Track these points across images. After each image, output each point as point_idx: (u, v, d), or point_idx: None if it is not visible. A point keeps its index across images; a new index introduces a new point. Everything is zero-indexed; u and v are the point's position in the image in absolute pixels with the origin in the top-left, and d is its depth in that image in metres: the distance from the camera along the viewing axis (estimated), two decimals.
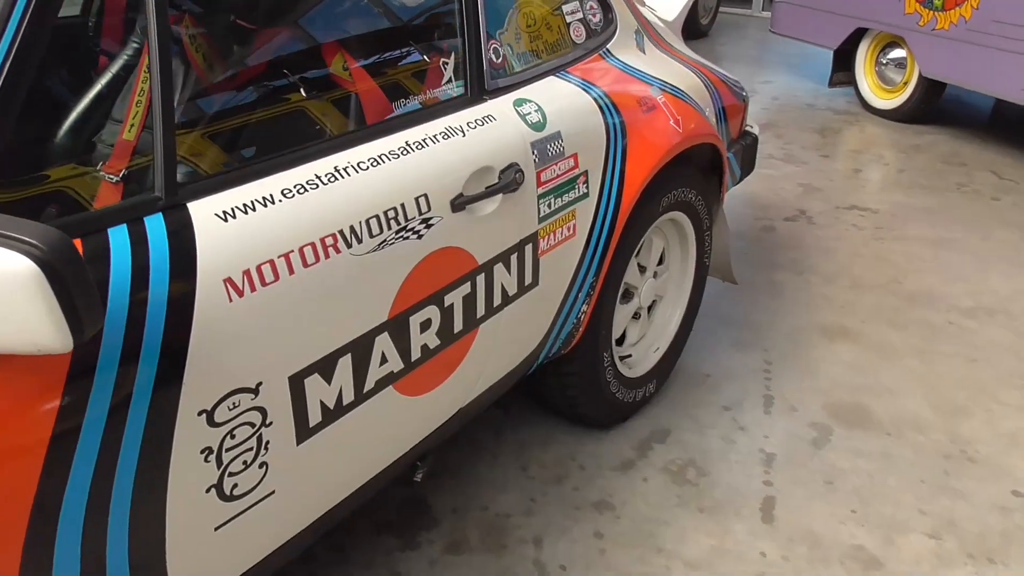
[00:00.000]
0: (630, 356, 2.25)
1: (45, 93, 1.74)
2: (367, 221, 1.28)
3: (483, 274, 1.54)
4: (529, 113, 1.64)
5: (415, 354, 1.43)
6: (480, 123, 1.54)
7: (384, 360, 1.37)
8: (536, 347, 1.81)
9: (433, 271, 1.42)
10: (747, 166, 2.66)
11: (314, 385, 1.25)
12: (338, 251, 1.24)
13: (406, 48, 1.73)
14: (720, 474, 2.10)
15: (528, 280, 1.67)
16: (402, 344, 1.40)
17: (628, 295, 2.16)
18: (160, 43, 1.10)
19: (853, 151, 4.61)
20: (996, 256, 3.32)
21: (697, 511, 1.98)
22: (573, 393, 2.07)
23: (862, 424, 2.30)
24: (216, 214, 1.12)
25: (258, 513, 1.23)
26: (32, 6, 0.98)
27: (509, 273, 1.61)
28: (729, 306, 2.88)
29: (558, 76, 1.81)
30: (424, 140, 1.43)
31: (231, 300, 1.10)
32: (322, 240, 1.22)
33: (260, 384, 1.16)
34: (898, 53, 4.97)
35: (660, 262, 2.26)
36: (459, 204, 1.44)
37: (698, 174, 2.21)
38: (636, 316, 2.23)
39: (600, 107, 1.81)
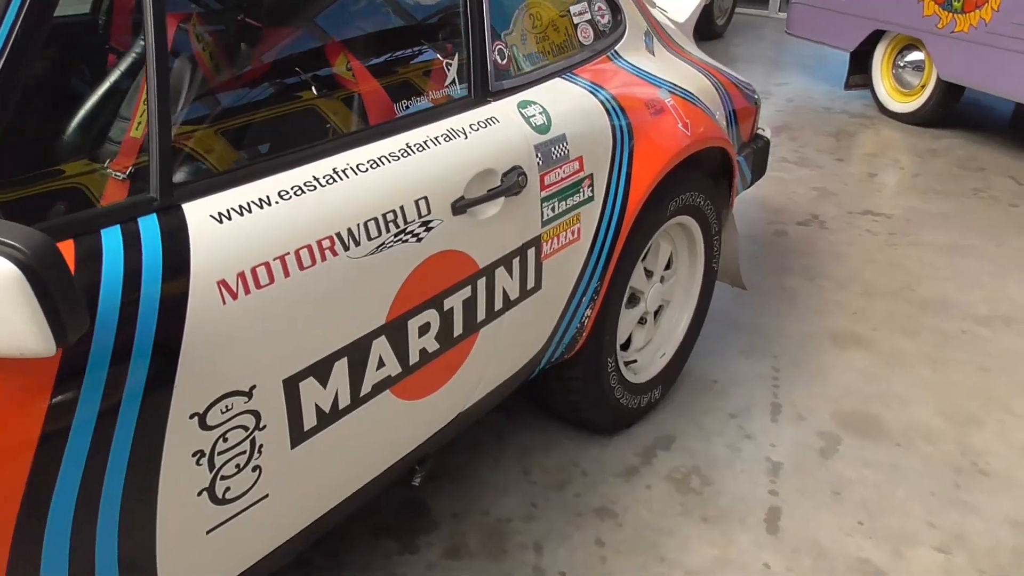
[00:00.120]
0: (635, 361, 2.23)
1: (61, 88, 1.75)
2: (365, 224, 1.27)
3: (484, 278, 1.52)
4: (533, 115, 1.62)
5: (413, 358, 1.42)
6: (483, 125, 1.52)
7: (381, 364, 1.35)
8: (538, 352, 1.79)
9: (432, 275, 1.40)
10: (758, 170, 2.63)
11: (309, 389, 1.24)
12: (335, 254, 1.22)
13: (410, 49, 1.72)
14: (725, 483, 2.07)
15: (530, 284, 1.65)
16: (400, 348, 1.38)
17: (634, 300, 2.13)
18: (157, 43, 1.09)
19: (868, 155, 4.56)
20: (1013, 263, 3.27)
21: (701, 520, 1.96)
22: (576, 398, 2.05)
23: (871, 434, 2.26)
24: (211, 215, 1.11)
25: (251, 517, 1.22)
26: (28, 3, 0.97)
27: (511, 277, 1.59)
28: (738, 311, 2.85)
29: (564, 78, 1.79)
30: (425, 142, 1.41)
31: (224, 302, 1.09)
32: (319, 243, 1.20)
33: (254, 387, 1.15)
34: (916, 56, 4.90)
35: (668, 266, 2.24)
36: (460, 207, 1.42)
37: (707, 178, 2.18)
38: (642, 321, 2.21)
39: (606, 109, 1.79)
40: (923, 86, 4.85)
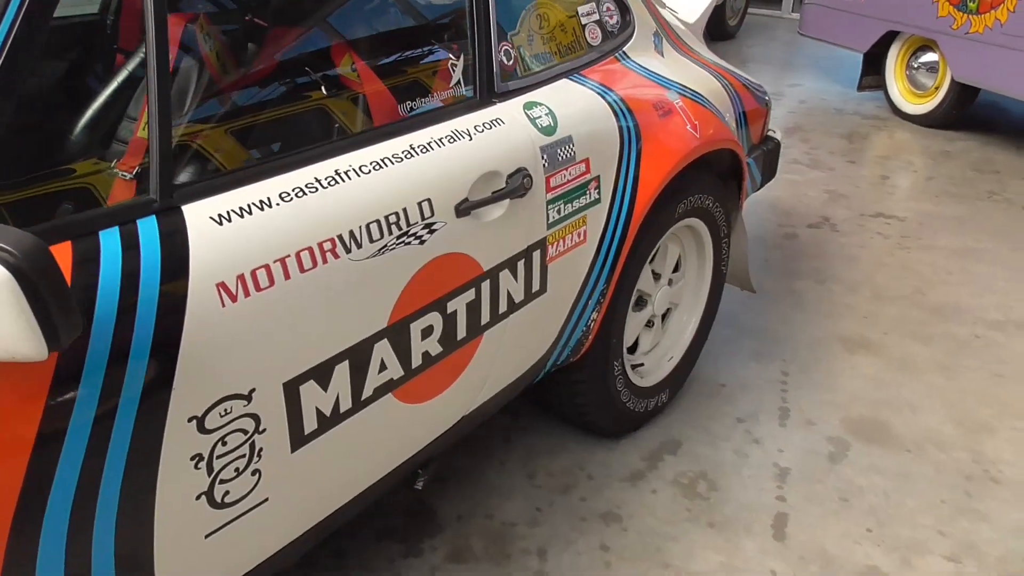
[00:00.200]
0: (642, 365, 2.21)
1: (72, 88, 1.76)
2: (367, 226, 1.25)
3: (488, 281, 1.51)
4: (539, 117, 1.61)
5: (416, 361, 1.40)
6: (488, 126, 1.51)
7: (383, 367, 1.34)
8: (543, 355, 1.77)
9: (435, 277, 1.39)
10: (768, 172, 2.60)
11: (310, 392, 1.22)
12: (336, 256, 1.21)
13: (415, 49, 1.71)
14: (732, 488, 2.05)
15: (535, 287, 1.64)
16: (402, 351, 1.37)
17: (641, 302, 2.12)
18: (158, 44, 1.08)
19: (881, 157, 4.51)
20: None
21: (707, 526, 1.93)
22: (582, 402, 2.03)
23: (881, 440, 2.23)
24: (211, 217, 1.10)
25: (251, 521, 1.21)
26: (26, 4, 0.97)
27: (516, 280, 1.58)
28: (747, 315, 2.82)
29: (571, 79, 1.77)
30: (429, 143, 1.40)
31: (224, 305, 1.08)
32: (320, 245, 1.19)
33: (253, 391, 1.14)
34: (930, 57, 4.86)
35: (676, 269, 2.22)
36: (464, 209, 1.41)
37: (716, 180, 2.16)
38: (649, 324, 2.19)
39: (614, 111, 1.77)
40: (937, 88, 4.80)
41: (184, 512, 1.11)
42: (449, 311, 1.44)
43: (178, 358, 1.04)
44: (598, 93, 1.78)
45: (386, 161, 1.32)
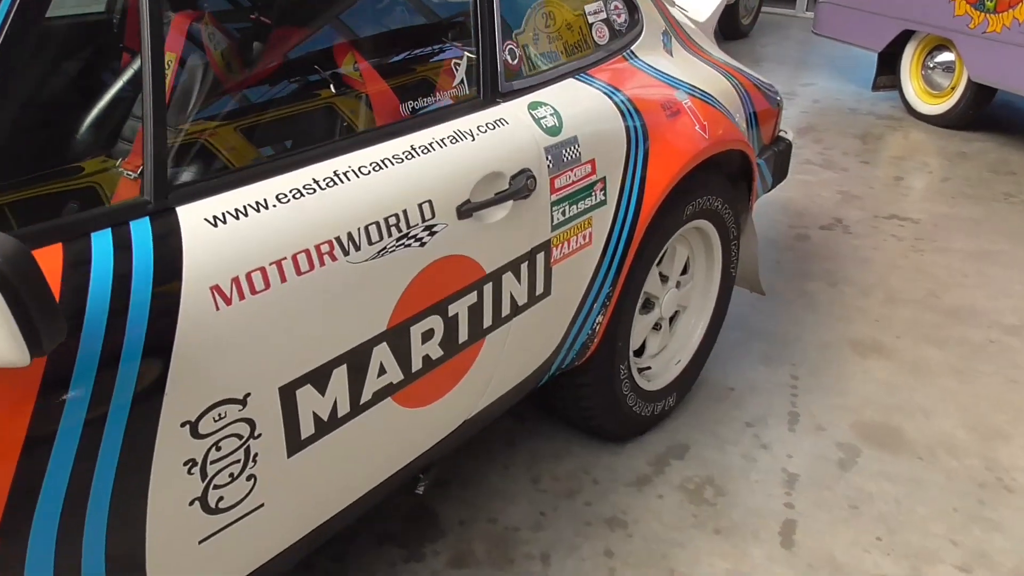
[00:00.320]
0: (649, 368, 2.18)
1: (80, 87, 1.76)
2: (366, 228, 1.24)
3: (491, 283, 1.49)
4: (544, 117, 1.58)
5: (416, 365, 1.38)
6: (491, 127, 1.49)
7: (382, 371, 1.32)
8: (548, 358, 1.75)
9: (436, 280, 1.37)
10: (779, 173, 2.56)
11: (306, 396, 1.21)
12: (334, 259, 1.19)
13: (418, 48, 1.69)
14: (739, 494, 2.02)
15: (539, 290, 1.62)
16: (402, 355, 1.35)
17: (649, 305, 2.09)
18: (153, 44, 1.07)
19: (895, 158, 4.45)
20: None
21: (713, 532, 1.91)
22: (587, 405, 2.00)
23: (892, 446, 2.20)
24: (206, 219, 1.09)
25: (246, 526, 1.19)
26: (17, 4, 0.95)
27: (519, 282, 1.56)
28: (757, 317, 2.79)
29: (577, 78, 1.75)
30: (431, 144, 1.38)
31: (218, 308, 1.06)
32: (317, 247, 1.17)
33: (248, 395, 1.12)
34: (946, 56, 4.79)
35: (684, 271, 2.19)
36: (466, 211, 1.39)
37: (726, 182, 2.12)
38: (657, 327, 2.16)
39: (621, 111, 1.75)
40: (953, 87, 4.73)
41: (177, 517, 1.10)
42: (450, 314, 1.42)
43: (171, 362, 1.02)
44: (605, 93, 1.75)
45: (386, 162, 1.30)
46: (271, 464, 1.19)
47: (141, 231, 1.03)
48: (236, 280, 1.08)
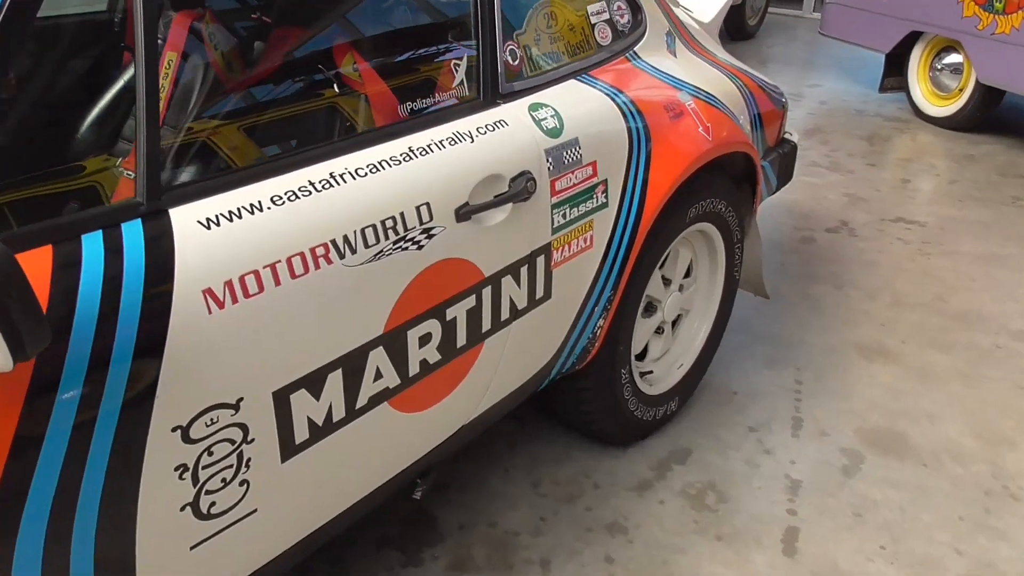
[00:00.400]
0: (651, 372, 2.16)
1: (81, 86, 1.75)
2: (362, 231, 1.22)
3: (490, 287, 1.47)
4: (545, 118, 1.56)
5: (413, 369, 1.37)
6: (491, 128, 1.47)
7: (379, 375, 1.31)
8: (548, 363, 1.73)
9: (434, 283, 1.35)
10: (784, 176, 2.54)
11: (301, 401, 1.19)
12: (329, 262, 1.18)
13: (418, 48, 1.67)
14: (741, 500, 2.00)
15: (539, 293, 1.60)
16: (399, 359, 1.33)
17: (651, 309, 2.07)
18: (147, 44, 1.06)
19: (902, 160, 4.42)
20: None
21: (715, 539, 1.88)
22: (588, 409, 1.98)
23: (897, 452, 2.17)
24: (199, 221, 1.07)
25: (238, 532, 1.18)
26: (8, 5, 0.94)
27: (519, 286, 1.54)
28: (761, 321, 2.76)
29: (579, 80, 1.73)
30: (429, 146, 1.36)
31: (210, 312, 1.05)
32: (312, 250, 1.16)
33: (241, 400, 1.11)
34: (954, 58, 4.75)
35: (687, 274, 2.17)
36: (464, 213, 1.37)
37: (729, 184, 2.10)
38: (659, 331, 2.14)
39: (623, 112, 1.73)
40: (961, 89, 4.69)
41: (168, 523, 1.08)
42: (448, 318, 1.40)
43: (162, 366, 1.01)
44: (607, 94, 1.73)
45: (383, 164, 1.29)
46: (264, 469, 1.18)
47: (133, 233, 1.02)
48: (229, 283, 1.07)
